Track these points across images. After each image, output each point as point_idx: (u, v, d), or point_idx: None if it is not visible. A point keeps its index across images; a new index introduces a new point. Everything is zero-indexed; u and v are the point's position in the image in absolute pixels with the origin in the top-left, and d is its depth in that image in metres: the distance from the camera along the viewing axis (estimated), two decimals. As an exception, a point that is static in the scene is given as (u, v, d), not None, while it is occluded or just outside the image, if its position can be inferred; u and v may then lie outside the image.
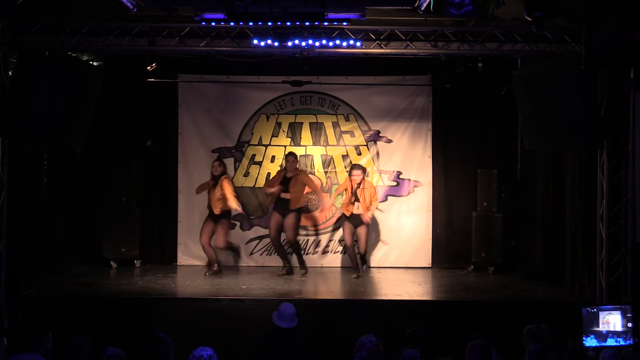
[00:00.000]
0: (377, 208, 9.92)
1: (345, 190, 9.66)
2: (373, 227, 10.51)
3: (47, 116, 7.90)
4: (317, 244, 10.68)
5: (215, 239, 9.64)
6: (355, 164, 9.93)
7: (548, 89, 8.03)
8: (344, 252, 10.38)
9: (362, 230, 9.61)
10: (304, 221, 10.32)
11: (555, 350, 5.65)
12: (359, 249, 9.80)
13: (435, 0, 6.63)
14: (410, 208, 10.75)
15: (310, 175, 10.27)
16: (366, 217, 9.56)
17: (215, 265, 9.65)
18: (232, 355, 6.72)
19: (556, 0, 6.59)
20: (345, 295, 8.86)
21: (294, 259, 9.95)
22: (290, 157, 9.81)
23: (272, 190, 9.69)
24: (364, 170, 9.74)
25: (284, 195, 9.66)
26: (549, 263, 9.50)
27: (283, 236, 9.93)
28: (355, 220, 9.59)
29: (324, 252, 10.70)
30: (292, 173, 9.71)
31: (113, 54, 9.36)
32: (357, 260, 9.74)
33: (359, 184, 9.53)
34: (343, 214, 9.76)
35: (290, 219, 9.68)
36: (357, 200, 9.49)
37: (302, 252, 10.24)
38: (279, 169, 10.35)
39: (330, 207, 10.46)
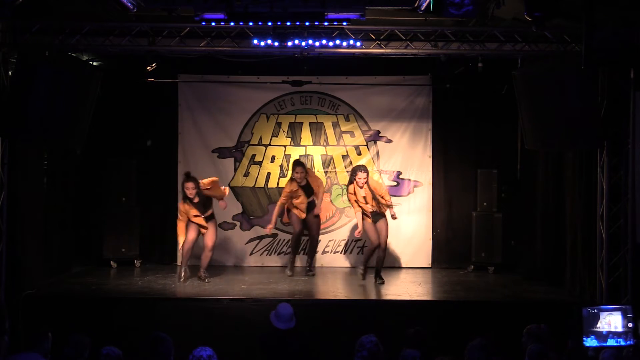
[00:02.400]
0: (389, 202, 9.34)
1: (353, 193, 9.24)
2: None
3: (47, 116, 7.89)
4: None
5: (208, 237, 9.25)
6: (358, 165, 9.43)
7: (548, 89, 8.03)
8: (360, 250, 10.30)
9: (382, 225, 9.23)
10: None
11: (555, 350, 5.65)
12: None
13: (435, 0, 6.64)
14: (410, 208, 10.75)
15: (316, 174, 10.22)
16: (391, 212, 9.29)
17: (185, 270, 9.24)
18: (232, 355, 6.72)
19: (556, 0, 6.60)
20: (345, 295, 8.86)
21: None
22: (299, 167, 9.57)
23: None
24: (367, 170, 9.29)
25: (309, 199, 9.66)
26: (549, 263, 9.50)
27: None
28: (374, 216, 9.22)
29: (324, 252, 10.69)
30: (304, 182, 9.61)
31: (113, 54, 9.34)
32: (367, 263, 9.38)
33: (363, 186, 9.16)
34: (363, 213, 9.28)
35: (318, 219, 9.79)
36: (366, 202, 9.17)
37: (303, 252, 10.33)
38: (284, 171, 10.33)
39: (329, 207, 10.43)
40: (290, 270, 9.80)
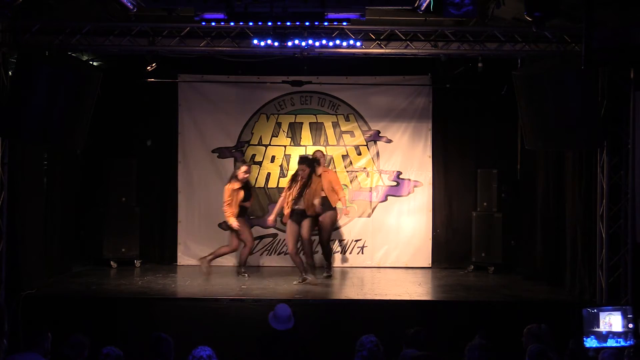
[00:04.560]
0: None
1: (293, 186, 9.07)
2: (374, 225, 10.59)
3: (47, 116, 7.89)
4: (317, 244, 10.66)
5: (248, 234, 9.60)
6: (301, 156, 9.30)
7: (548, 89, 8.03)
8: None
9: (304, 223, 9.04)
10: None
11: (556, 351, 5.65)
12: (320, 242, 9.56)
13: (435, 0, 6.64)
14: (410, 208, 10.76)
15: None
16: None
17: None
18: (231, 355, 6.72)
19: (556, 0, 6.60)
20: (346, 295, 8.86)
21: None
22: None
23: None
24: (309, 163, 9.10)
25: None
26: (549, 263, 9.50)
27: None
28: (298, 217, 9.06)
29: (324, 252, 10.68)
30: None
31: (113, 54, 9.36)
32: (302, 265, 9.13)
33: (307, 180, 8.96)
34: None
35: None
36: (300, 196, 8.96)
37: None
38: (284, 171, 10.45)
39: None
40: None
